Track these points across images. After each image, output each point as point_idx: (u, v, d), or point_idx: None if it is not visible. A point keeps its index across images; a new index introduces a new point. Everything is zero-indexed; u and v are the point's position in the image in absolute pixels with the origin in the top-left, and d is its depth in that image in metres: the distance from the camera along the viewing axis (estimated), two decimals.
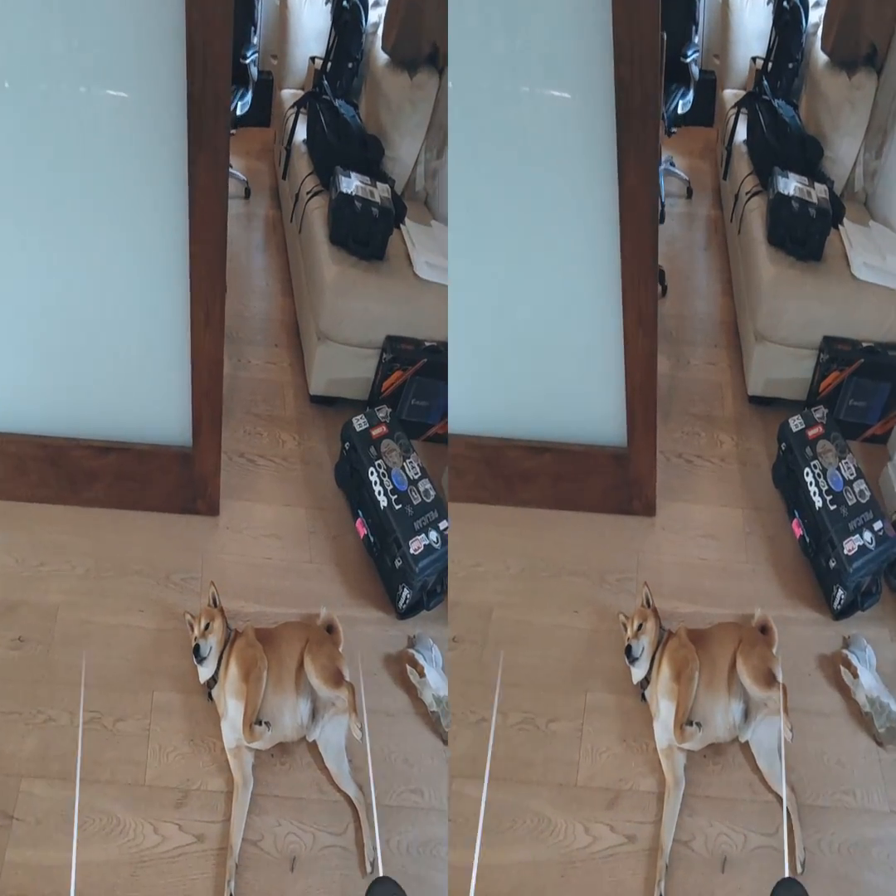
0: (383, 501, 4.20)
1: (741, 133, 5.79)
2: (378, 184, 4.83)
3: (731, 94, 6.26)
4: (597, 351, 4.09)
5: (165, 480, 4.40)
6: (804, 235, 4.75)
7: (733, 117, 5.89)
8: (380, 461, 4.30)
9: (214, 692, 3.80)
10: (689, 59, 6.15)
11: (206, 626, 3.83)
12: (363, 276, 4.70)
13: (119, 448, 4.33)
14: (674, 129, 6.36)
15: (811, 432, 4.38)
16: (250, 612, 4.12)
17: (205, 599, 3.97)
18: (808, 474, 4.25)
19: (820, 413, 4.46)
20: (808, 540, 4.28)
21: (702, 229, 6.40)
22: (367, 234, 4.72)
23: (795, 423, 4.45)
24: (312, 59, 6.03)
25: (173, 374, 4.07)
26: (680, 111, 6.22)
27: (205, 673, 3.81)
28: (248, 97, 6.21)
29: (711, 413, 5.06)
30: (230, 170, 4.16)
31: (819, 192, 4.84)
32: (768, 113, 5.48)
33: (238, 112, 6.15)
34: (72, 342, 4.04)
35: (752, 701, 3.68)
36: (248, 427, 4.98)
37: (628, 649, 3.83)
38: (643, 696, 3.85)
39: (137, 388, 4.19)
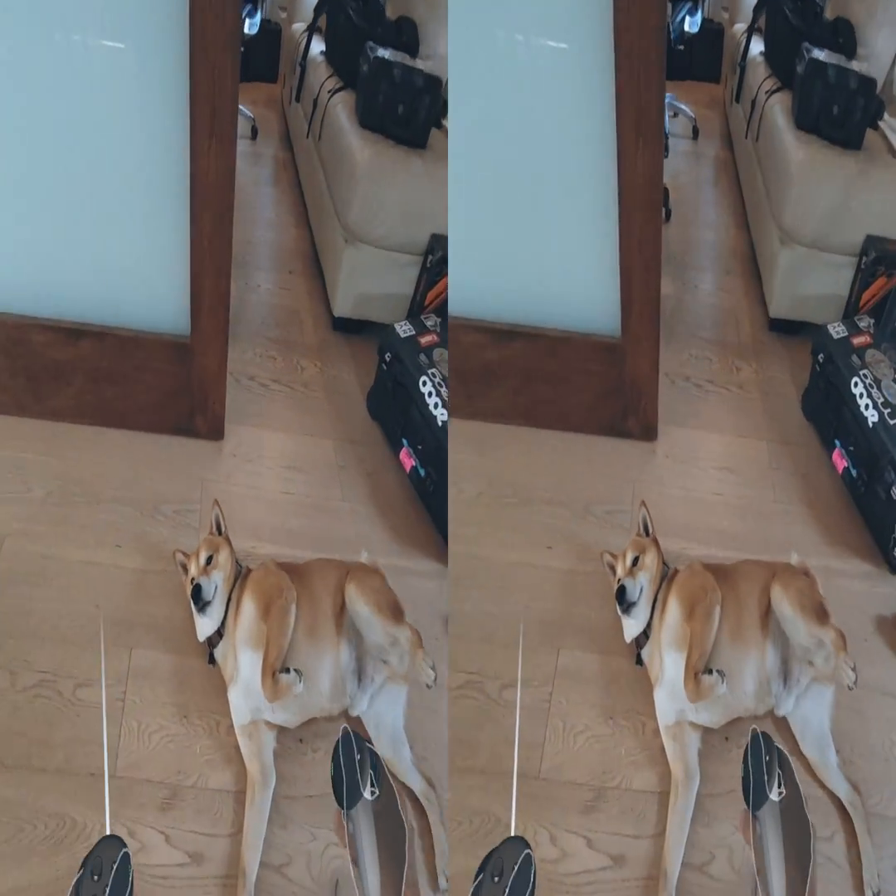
0: (872, 417, 2.82)
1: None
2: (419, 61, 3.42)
3: (740, 28, 4.73)
4: (585, 217, 2.81)
5: (155, 383, 2.97)
6: (843, 114, 3.31)
7: (746, 32, 4.37)
8: (865, 372, 2.91)
9: (218, 652, 2.42)
10: None
11: (208, 560, 2.43)
12: (404, 158, 3.21)
13: (94, 333, 2.88)
14: (680, 47, 4.86)
15: (857, 340, 3.04)
16: (264, 554, 2.68)
17: (205, 529, 2.58)
18: (856, 385, 2.92)
19: (865, 322, 3.13)
20: (855, 472, 2.92)
21: (709, 166, 4.80)
22: (408, 111, 3.20)
23: (836, 329, 3.09)
24: None
25: (165, 237, 2.72)
26: (687, 29, 4.74)
27: (206, 626, 2.42)
28: (257, 17, 4.64)
29: (725, 339, 3.65)
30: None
31: (859, 67, 3.45)
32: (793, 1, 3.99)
33: (246, 30, 4.61)
34: (33, 191, 2.69)
35: (795, 655, 2.38)
36: (259, 349, 3.43)
37: (621, 591, 2.46)
38: (639, 659, 2.51)
39: (118, 255, 2.80)
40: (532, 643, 2.47)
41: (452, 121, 2.75)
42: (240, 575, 2.46)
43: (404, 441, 2.99)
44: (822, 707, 2.36)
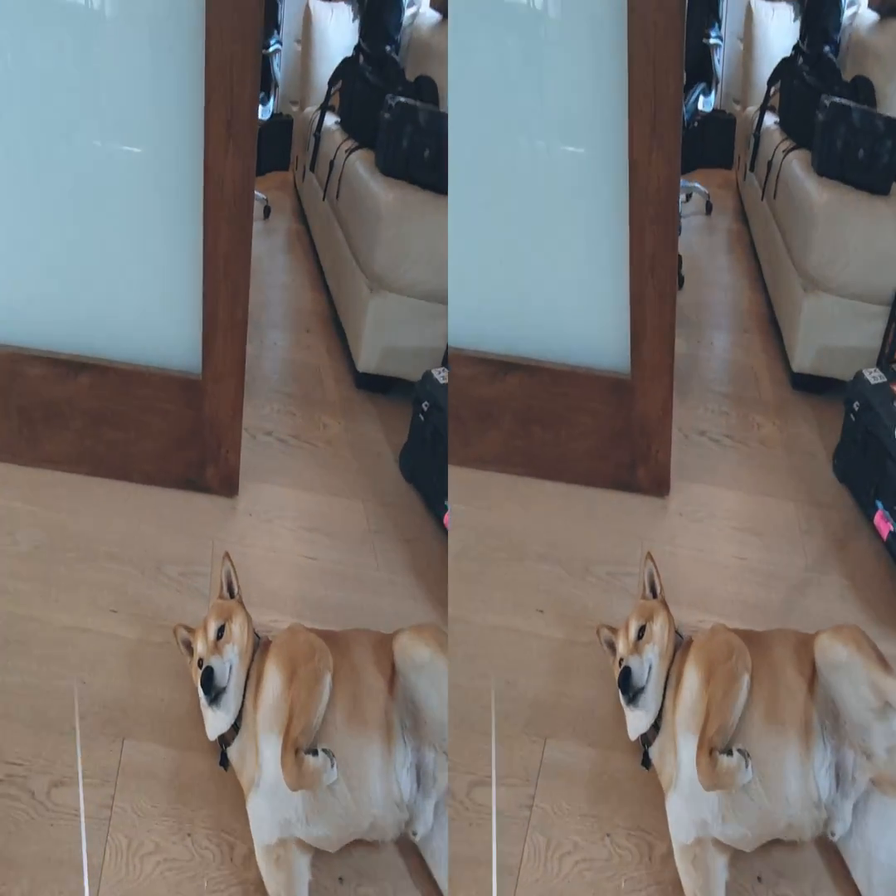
0: None
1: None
2: None
3: (753, 109, 4.09)
4: (592, 235, 2.20)
5: (162, 426, 2.32)
6: (868, 158, 2.65)
7: (759, 109, 3.76)
8: None
9: (234, 752, 1.68)
10: (711, 42, 4.00)
11: (220, 632, 1.72)
12: (430, 202, 2.56)
13: (95, 367, 2.26)
14: (695, 124, 4.19)
15: None
16: (282, 628, 1.92)
17: (215, 591, 1.88)
18: None
19: None
20: None
21: (723, 238, 4.08)
22: (433, 155, 2.56)
23: (873, 375, 2.40)
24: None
25: (175, 258, 2.14)
26: (700, 107, 4.13)
27: (220, 721, 1.69)
28: (270, 105, 3.99)
29: (743, 394, 2.93)
30: None
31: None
32: (810, 63, 3.31)
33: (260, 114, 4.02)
34: (32, 212, 2.14)
35: (848, 738, 1.60)
36: (277, 405, 2.70)
37: (625, 675, 1.70)
38: (646, 759, 1.73)
39: (123, 280, 2.20)
40: (512, 730, 1.80)
41: (453, 151, 2.16)
42: (258, 646, 1.76)
43: (878, 503, 2.23)
44: (890, 828, 1.58)
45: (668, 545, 2.28)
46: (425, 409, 2.36)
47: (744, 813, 1.56)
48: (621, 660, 1.76)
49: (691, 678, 1.68)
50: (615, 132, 2.08)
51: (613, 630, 1.85)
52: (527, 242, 2.31)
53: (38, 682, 1.82)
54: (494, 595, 2.09)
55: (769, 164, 3.42)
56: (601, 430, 2.38)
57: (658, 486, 2.42)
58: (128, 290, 2.23)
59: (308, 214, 3.81)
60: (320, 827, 1.54)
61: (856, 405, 2.42)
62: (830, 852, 1.62)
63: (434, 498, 2.33)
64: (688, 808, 1.62)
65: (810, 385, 2.87)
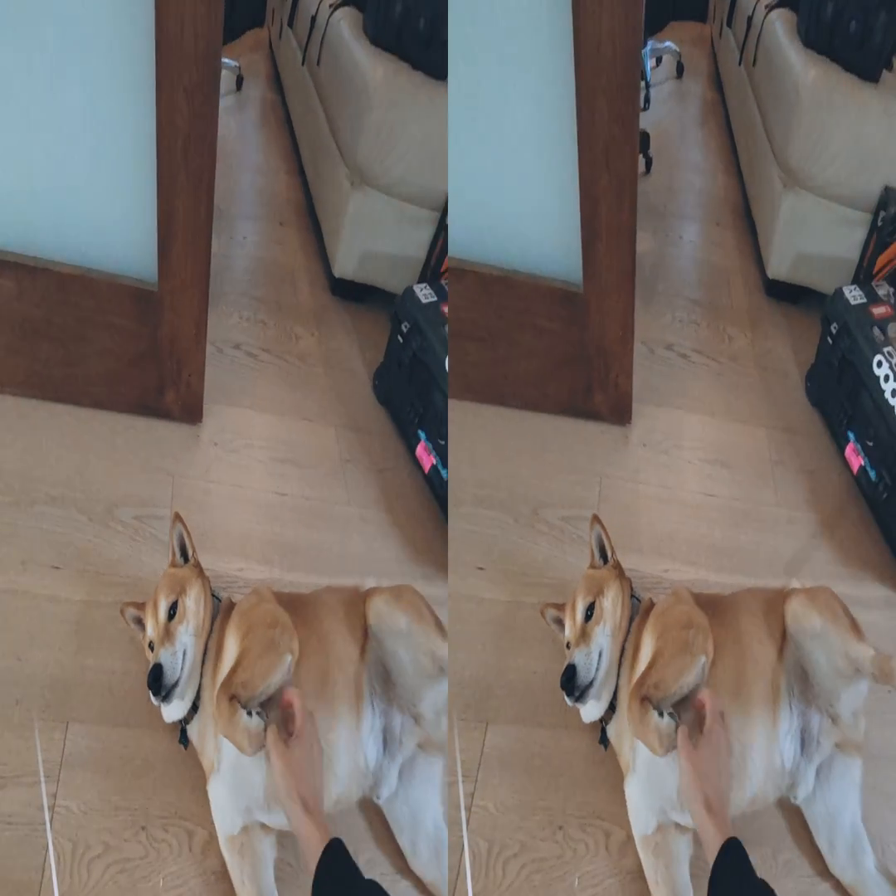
0: None
1: None
2: None
3: None
4: (532, 111, 1.62)
5: (111, 344, 1.78)
6: (861, 32, 2.02)
7: None
8: (890, 350, 1.86)
9: (194, 730, 1.41)
10: None
11: (171, 611, 1.40)
12: (425, 86, 1.95)
13: (25, 268, 1.68)
14: None
15: (877, 310, 1.92)
16: (253, 579, 1.65)
17: (167, 554, 1.50)
18: (880, 365, 1.83)
19: (885, 290, 1.97)
20: (873, 473, 1.85)
21: (696, 107, 3.33)
22: (429, 29, 1.89)
23: (853, 294, 1.95)
24: None
25: (125, 147, 1.58)
26: None
27: (175, 710, 1.41)
28: None
29: (715, 301, 2.40)
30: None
31: None
32: None
33: None
34: None
35: (816, 704, 1.39)
36: (247, 312, 2.21)
37: (568, 675, 1.38)
38: (603, 735, 1.45)
39: (61, 166, 1.62)
40: (451, 718, 1.46)
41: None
42: (218, 612, 1.45)
43: (850, 435, 1.91)
44: (851, 790, 1.40)
45: (629, 482, 1.87)
46: (405, 330, 1.91)
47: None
48: (569, 643, 1.43)
49: (649, 651, 1.39)
50: None
51: (559, 607, 1.49)
52: (458, 128, 1.65)
53: None
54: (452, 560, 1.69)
55: (749, 20, 2.65)
56: (550, 350, 1.84)
57: (618, 414, 1.93)
58: (66, 174, 1.60)
59: (284, 81, 3.00)
60: (282, 813, 1.28)
61: (833, 327, 1.96)
62: (792, 815, 1.40)
63: (407, 427, 1.93)
64: (646, 795, 1.36)
65: (785, 294, 2.36)
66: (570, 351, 1.86)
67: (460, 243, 1.79)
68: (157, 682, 1.34)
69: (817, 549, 1.82)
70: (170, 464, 1.82)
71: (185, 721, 1.41)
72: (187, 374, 1.86)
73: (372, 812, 1.37)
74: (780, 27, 2.42)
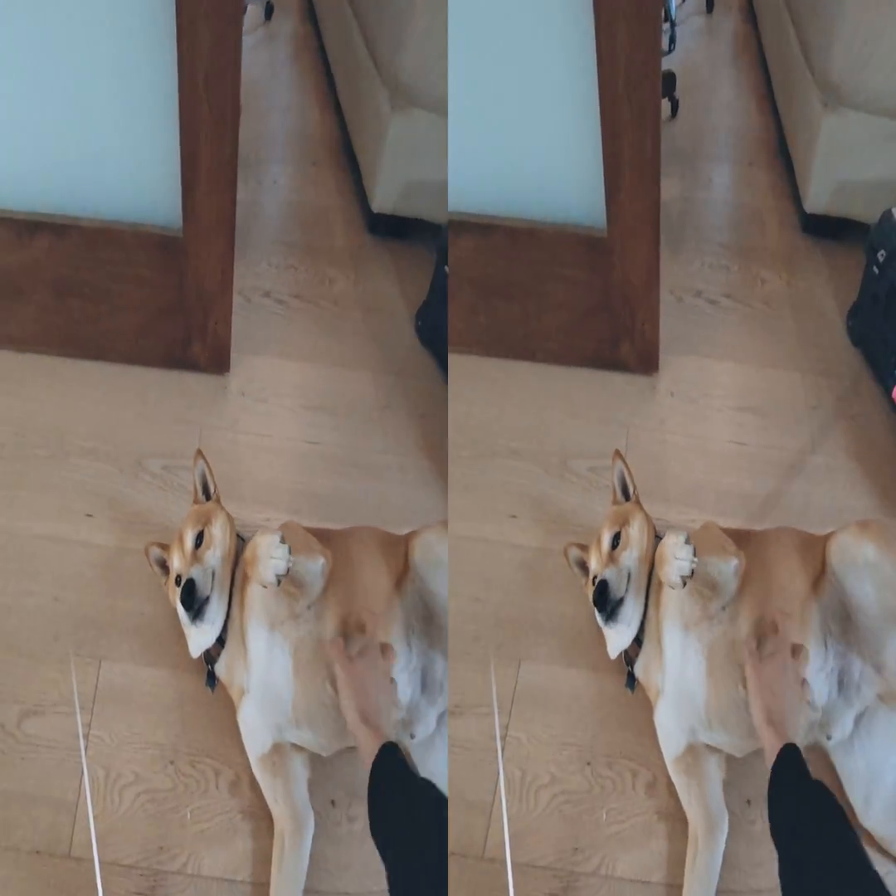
0: None
1: None
2: None
3: None
4: (551, 44, 1.52)
5: (137, 296, 1.79)
6: None
7: None
8: None
9: (221, 667, 1.45)
10: None
11: (198, 540, 1.43)
12: None
13: (54, 226, 1.72)
14: None
15: None
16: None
17: (190, 492, 1.55)
18: None
19: None
20: None
21: (727, 43, 3.12)
22: None
23: None
24: None
25: (145, 90, 1.56)
26: None
27: (204, 635, 1.44)
28: None
29: (746, 243, 2.30)
30: None
31: None
32: None
33: None
34: None
35: (858, 660, 1.36)
36: (276, 259, 2.14)
37: (601, 589, 1.39)
38: (630, 678, 1.48)
39: (82, 118, 1.63)
40: (483, 650, 1.53)
41: None
42: (243, 550, 1.45)
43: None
44: (893, 748, 1.34)
45: (656, 432, 1.84)
46: (881, 259, 1.78)
47: (730, 718, 1.34)
48: (595, 577, 1.42)
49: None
50: None
51: (583, 547, 1.49)
52: (469, 67, 1.57)
53: (6, 599, 1.54)
54: (471, 501, 1.73)
55: None
56: (575, 300, 1.81)
57: (645, 363, 1.89)
58: (87, 126, 1.60)
59: (319, 11, 2.89)
60: (310, 732, 1.34)
61: (880, 255, 1.80)
62: (821, 770, 1.39)
63: (884, 365, 1.83)
64: (676, 716, 1.38)
65: (825, 229, 2.21)
66: (596, 300, 1.82)
67: (480, 196, 1.75)
68: (191, 596, 1.36)
69: (859, 499, 1.74)
70: (197, 415, 1.83)
71: (212, 659, 1.43)
72: (213, 322, 1.84)
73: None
74: None
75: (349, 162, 2.38)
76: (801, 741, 1.24)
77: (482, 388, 1.88)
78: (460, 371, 1.90)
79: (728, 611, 1.38)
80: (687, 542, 1.30)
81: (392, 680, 1.27)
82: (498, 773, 1.36)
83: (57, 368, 1.85)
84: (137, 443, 1.77)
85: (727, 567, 1.36)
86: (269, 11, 3.09)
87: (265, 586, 1.28)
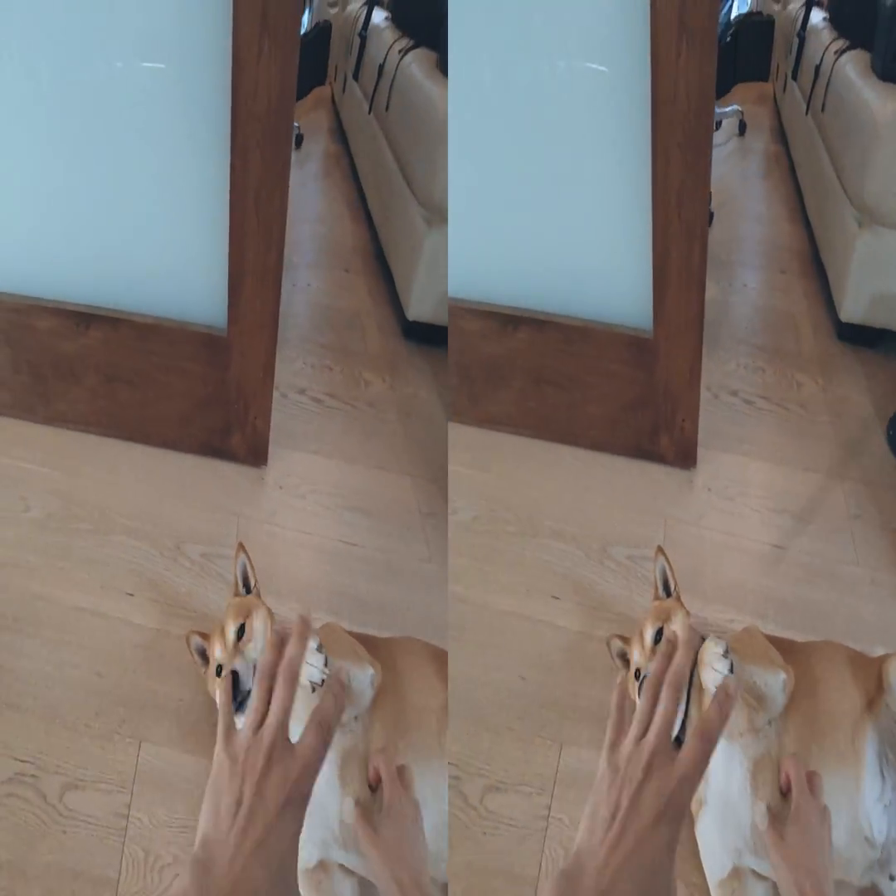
0: None
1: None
2: None
3: (796, 7, 3.41)
4: (608, 166, 1.81)
5: (181, 387, 1.99)
6: None
7: (804, 4, 3.13)
8: None
9: None
10: None
11: (240, 633, 1.49)
12: None
13: (107, 319, 1.94)
14: (728, 37, 3.57)
15: None
16: (314, 627, 1.61)
17: (227, 580, 1.67)
18: None
19: None
20: None
21: (758, 161, 3.45)
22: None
23: None
24: None
25: (200, 200, 1.81)
26: (735, 12, 3.49)
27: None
28: (305, 17, 3.28)
29: (781, 346, 2.47)
30: None
31: None
32: None
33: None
34: (46, 149, 1.82)
35: None
36: (312, 359, 2.30)
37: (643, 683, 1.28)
38: None
39: (138, 223, 1.89)
40: (526, 731, 1.54)
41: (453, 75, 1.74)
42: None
43: None
44: None
45: (694, 526, 1.89)
46: None
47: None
48: (638, 671, 1.47)
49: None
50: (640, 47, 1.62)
51: (625, 639, 1.55)
52: (535, 179, 1.87)
53: (50, 669, 1.60)
54: (507, 576, 1.80)
55: (817, 69, 2.79)
56: (619, 393, 2.00)
57: (683, 457, 2.03)
58: (144, 231, 1.85)
59: (349, 133, 3.21)
60: (359, 856, 1.29)
61: None
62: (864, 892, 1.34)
63: None
64: (720, 832, 1.34)
65: (860, 337, 2.38)
66: (639, 395, 2.02)
67: (539, 294, 1.99)
68: (235, 688, 1.41)
69: None
70: (235, 504, 1.94)
71: None
72: (253, 416, 2.02)
73: None
74: (851, 68, 2.57)
75: (381, 270, 2.59)
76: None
77: (529, 468, 2.01)
78: (511, 451, 2.04)
79: (774, 726, 1.36)
80: (725, 654, 1.33)
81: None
82: (541, 851, 1.40)
83: (103, 448, 2.01)
84: (177, 526, 1.87)
85: (775, 680, 1.37)
86: (299, 141, 3.45)
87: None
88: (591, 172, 1.84)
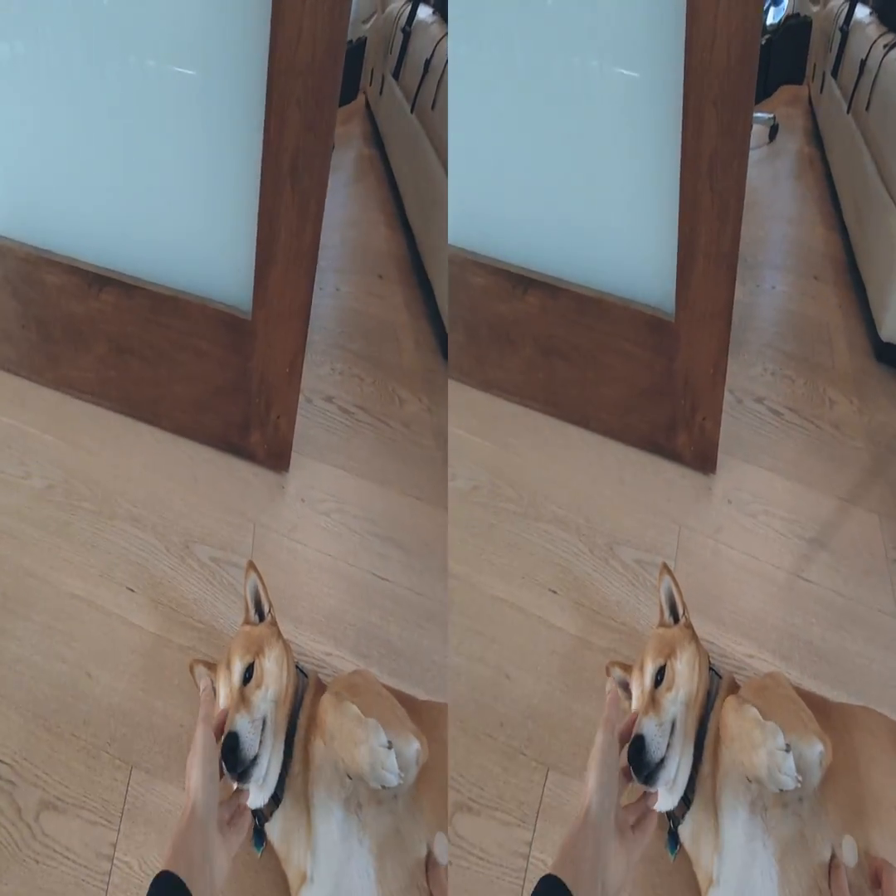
0: None
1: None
2: None
3: (837, 4, 3.09)
4: (638, 133, 1.50)
5: (198, 371, 1.73)
6: None
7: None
8: None
9: (274, 829, 1.13)
10: None
11: (247, 675, 1.18)
12: None
13: (122, 284, 1.69)
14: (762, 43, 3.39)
15: None
16: (338, 667, 1.40)
17: (237, 591, 1.45)
18: None
19: None
20: None
21: (790, 162, 3.11)
22: None
23: None
24: None
25: (229, 167, 1.53)
26: (770, 20, 3.21)
27: (252, 798, 1.11)
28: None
29: (812, 358, 2.17)
30: None
31: None
32: None
33: None
34: (79, 118, 1.59)
35: None
36: (340, 365, 2.06)
37: (637, 747, 1.07)
38: (672, 838, 1.14)
39: (163, 187, 1.63)
40: (511, 748, 1.27)
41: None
42: (305, 687, 1.24)
43: None
44: None
45: (711, 539, 1.64)
46: None
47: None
48: (634, 722, 1.19)
49: (734, 719, 1.17)
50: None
51: (626, 668, 1.30)
52: (552, 136, 1.62)
53: (38, 659, 1.41)
54: (501, 566, 1.54)
55: (862, 65, 2.51)
56: (634, 377, 1.72)
57: (702, 460, 1.77)
58: (166, 194, 1.61)
59: (386, 136, 2.97)
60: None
61: None
62: None
63: None
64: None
65: None
66: (655, 382, 1.74)
67: (554, 261, 1.72)
68: (234, 755, 1.09)
69: None
70: (251, 510, 1.68)
71: (263, 818, 1.14)
72: (276, 414, 1.73)
73: None
74: None
75: (418, 278, 2.37)
76: None
77: (535, 444, 1.77)
78: (516, 423, 1.82)
79: (807, 805, 1.12)
80: (787, 749, 1.04)
81: None
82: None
83: (110, 423, 1.81)
84: (185, 523, 1.64)
85: (811, 752, 1.12)
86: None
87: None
88: (618, 135, 1.55)
